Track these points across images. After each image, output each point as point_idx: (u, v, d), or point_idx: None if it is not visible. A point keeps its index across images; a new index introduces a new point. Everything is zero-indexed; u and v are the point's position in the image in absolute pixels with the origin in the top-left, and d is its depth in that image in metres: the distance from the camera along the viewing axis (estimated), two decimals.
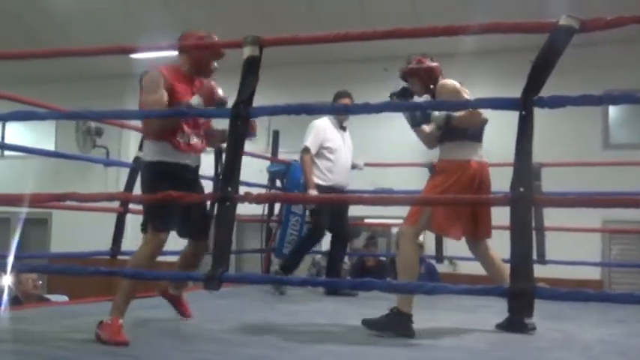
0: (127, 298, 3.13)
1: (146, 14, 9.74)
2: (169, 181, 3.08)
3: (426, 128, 3.94)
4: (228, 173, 2.57)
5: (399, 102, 3.66)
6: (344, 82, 9.94)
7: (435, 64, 3.84)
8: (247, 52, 2.57)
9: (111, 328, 2.97)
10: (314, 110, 2.62)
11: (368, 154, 6.52)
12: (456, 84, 3.72)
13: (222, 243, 2.49)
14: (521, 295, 2.13)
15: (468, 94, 3.64)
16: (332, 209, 5.46)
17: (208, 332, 3.47)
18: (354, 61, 10.04)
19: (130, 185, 4.71)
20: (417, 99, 3.71)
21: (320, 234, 5.68)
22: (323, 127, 5.57)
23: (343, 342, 3.28)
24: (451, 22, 2.54)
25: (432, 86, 3.77)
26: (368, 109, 2.66)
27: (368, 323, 3.45)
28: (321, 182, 5.41)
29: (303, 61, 10.12)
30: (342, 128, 5.74)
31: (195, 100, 3.14)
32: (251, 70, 2.58)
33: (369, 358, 2.99)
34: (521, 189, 2.20)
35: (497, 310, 3.77)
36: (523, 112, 2.27)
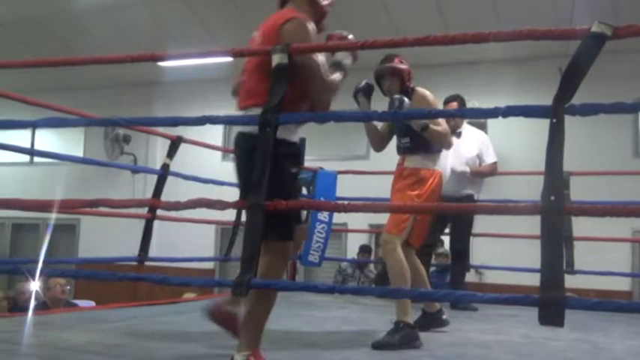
0: (258, 324, 2.64)
1: (174, 23, 9.84)
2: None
3: (378, 125, 4.06)
4: (259, 181, 2.57)
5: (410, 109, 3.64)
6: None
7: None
8: (276, 59, 2.57)
9: None
10: (342, 118, 2.61)
11: None
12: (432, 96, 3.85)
13: (252, 250, 2.49)
14: (551, 305, 2.11)
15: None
16: (439, 220, 5.28)
17: (234, 339, 3.47)
18: (371, 69, 10.03)
19: (157, 191, 4.75)
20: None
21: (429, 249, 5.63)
22: None
23: (367, 350, 3.27)
24: (479, 29, 2.53)
25: (409, 87, 3.82)
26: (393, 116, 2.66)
27: (380, 346, 3.34)
28: None
29: None
30: (456, 134, 5.59)
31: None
32: (280, 78, 2.59)
33: None
34: (552, 198, 2.18)
35: (523, 319, 3.74)
36: (554, 120, 2.24)
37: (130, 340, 3.32)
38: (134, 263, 4.84)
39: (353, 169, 7.52)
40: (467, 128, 5.89)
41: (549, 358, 3.38)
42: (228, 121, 3.02)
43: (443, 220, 5.49)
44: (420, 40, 2.57)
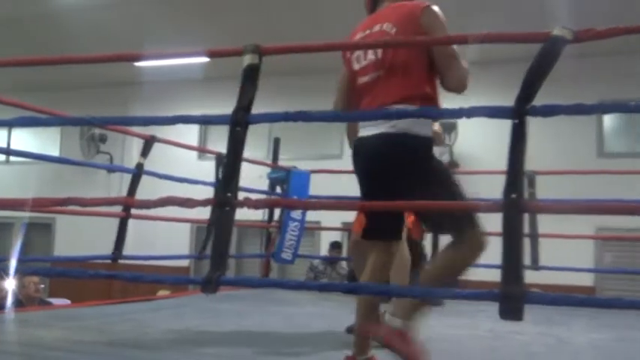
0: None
1: (152, 24, 9.77)
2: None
3: None
4: (228, 179, 2.57)
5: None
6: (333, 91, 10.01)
7: None
8: (247, 60, 2.56)
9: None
10: (311, 118, 2.61)
11: None
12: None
13: (221, 247, 2.49)
14: (511, 300, 2.13)
15: None
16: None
17: (207, 335, 3.47)
18: None
19: (131, 190, 4.71)
20: None
21: None
22: None
23: (336, 344, 3.28)
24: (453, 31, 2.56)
25: None
26: (361, 116, 2.67)
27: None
28: None
29: (307, 70, 10.14)
30: None
31: None
32: (250, 78, 2.58)
33: None
34: (513, 195, 2.20)
35: (490, 314, 3.78)
36: (516, 121, 2.26)
37: (102, 337, 3.29)
38: (109, 261, 4.80)
39: (326, 168, 7.53)
40: None
41: (514, 351, 3.42)
42: (201, 121, 3.01)
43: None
44: (390, 42, 2.59)
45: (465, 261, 2.55)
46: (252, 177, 6.85)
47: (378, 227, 2.76)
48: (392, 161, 2.52)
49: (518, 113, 2.26)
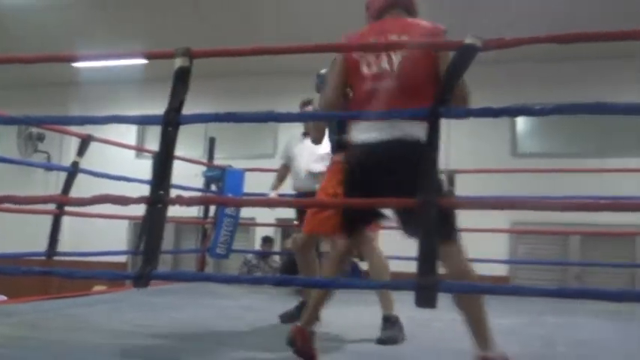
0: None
1: (90, 27, 9.52)
2: None
3: None
4: (160, 177, 2.54)
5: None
6: (272, 93, 10.02)
7: None
8: (178, 62, 2.55)
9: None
10: (240, 119, 2.60)
11: None
12: None
13: (153, 243, 2.46)
14: (426, 289, 2.18)
15: None
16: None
17: (141, 328, 3.42)
18: (284, 72, 10.07)
19: (66, 188, 4.59)
20: None
21: None
22: (289, 138, 5.46)
23: (271, 335, 3.28)
24: None
25: None
26: (289, 117, 2.69)
27: (386, 340, 3.25)
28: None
29: (243, 72, 10.10)
30: (304, 135, 5.34)
31: None
32: (181, 80, 2.56)
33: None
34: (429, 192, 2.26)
35: (410, 303, 3.84)
36: (431, 122, 2.32)
37: (37, 332, 3.20)
38: (44, 258, 4.66)
39: (260, 166, 7.51)
40: None
41: (432, 337, 3.48)
42: (134, 121, 2.96)
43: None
44: (318, 46, 2.61)
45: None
46: (189, 175, 6.79)
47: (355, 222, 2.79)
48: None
49: (433, 114, 2.32)
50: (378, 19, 2.77)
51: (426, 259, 2.22)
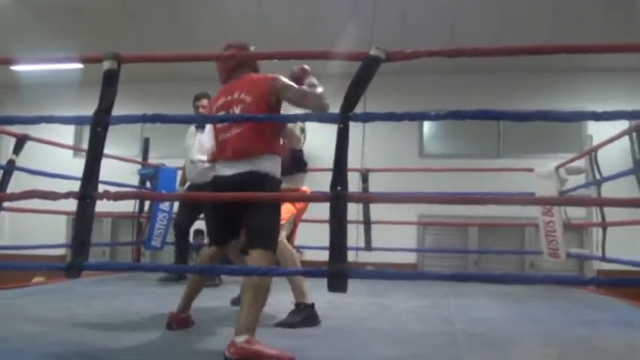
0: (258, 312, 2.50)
1: (28, 31, 9.10)
2: None
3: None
4: (88, 174, 2.45)
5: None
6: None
7: None
8: (106, 65, 2.47)
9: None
10: (166, 120, 2.54)
11: None
12: None
13: (82, 235, 2.37)
14: (337, 275, 2.20)
15: None
16: (192, 207, 5.11)
17: (76, 317, 3.28)
18: (216, 79, 9.95)
19: (2, 185, 4.35)
20: None
21: (178, 230, 5.37)
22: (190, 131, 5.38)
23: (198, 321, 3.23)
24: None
25: None
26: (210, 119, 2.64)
27: (283, 324, 3.20)
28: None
29: (178, 79, 9.92)
30: (198, 128, 5.27)
31: None
32: (110, 83, 2.48)
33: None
34: (339, 188, 2.27)
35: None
36: (341, 126, 2.33)
37: None
38: None
39: None
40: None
41: (347, 317, 3.51)
42: (65, 121, 2.85)
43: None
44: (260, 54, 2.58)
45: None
46: (126, 174, 6.61)
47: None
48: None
49: (343, 119, 2.33)
50: (226, 82, 2.93)
51: (337, 248, 2.23)
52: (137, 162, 6.65)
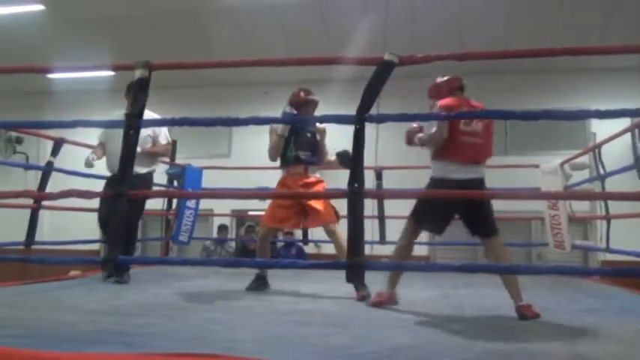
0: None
1: (61, 41, 9.22)
2: None
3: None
4: (123, 174, 2.50)
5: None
6: (229, 102, 9.95)
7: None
8: (138, 74, 2.50)
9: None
10: (192, 123, 2.58)
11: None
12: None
13: (116, 231, 2.41)
14: (354, 267, 2.22)
15: None
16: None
17: (110, 307, 3.33)
18: (238, 84, 10.02)
19: (42, 185, 4.43)
20: None
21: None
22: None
23: (224, 309, 3.26)
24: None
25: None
26: (234, 122, 2.67)
27: (248, 288, 3.98)
28: None
29: (201, 84, 10.01)
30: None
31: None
32: (141, 89, 2.52)
33: (239, 322, 2.99)
34: (355, 185, 2.29)
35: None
36: (357, 127, 2.35)
37: (16, 312, 3.08)
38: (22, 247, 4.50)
39: (216, 165, 7.44)
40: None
41: (365, 307, 3.51)
42: (98, 125, 2.89)
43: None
44: (257, 61, 2.60)
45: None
46: (156, 174, 6.68)
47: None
48: None
49: (359, 120, 2.35)
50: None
51: (354, 241, 2.25)
52: (165, 162, 6.72)
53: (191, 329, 2.63)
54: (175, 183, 6.44)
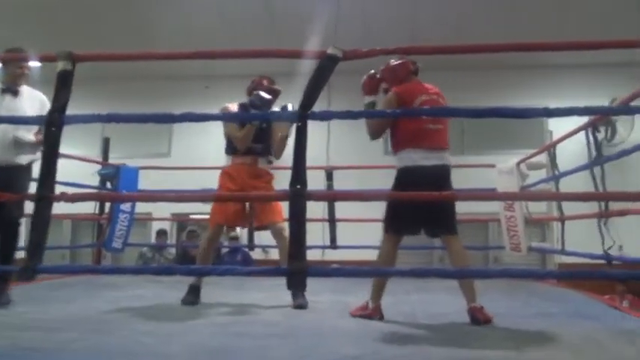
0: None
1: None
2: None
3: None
4: (45, 175, 2.43)
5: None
6: (168, 96, 9.81)
7: None
8: (60, 66, 2.44)
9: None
10: (121, 119, 2.53)
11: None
12: None
13: (37, 238, 2.34)
14: (295, 274, 2.22)
15: None
16: None
17: (32, 322, 3.22)
18: (177, 77, 9.89)
19: None
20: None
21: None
22: None
23: (153, 321, 3.21)
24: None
25: None
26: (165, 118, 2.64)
27: (183, 301, 3.87)
28: None
29: (135, 76, 9.80)
30: (13, 92, 3.99)
31: None
32: (64, 83, 2.45)
33: (184, 333, 2.95)
34: (298, 186, 2.30)
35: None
36: (299, 124, 2.36)
37: None
38: None
39: (155, 165, 7.33)
40: (25, 88, 4.13)
41: (310, 316, 3.53)
42: (17, 121, 2.80)
43: None
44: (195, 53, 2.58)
45: None
46: (86, 174, 6.52)
47: None
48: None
49: (301, 118, 2.36)
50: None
51: (296, 246, 2.26)
52: (97, 162, 6.57)
53: (120, 343, 2.58)
54: (108, 184, 6.30)
